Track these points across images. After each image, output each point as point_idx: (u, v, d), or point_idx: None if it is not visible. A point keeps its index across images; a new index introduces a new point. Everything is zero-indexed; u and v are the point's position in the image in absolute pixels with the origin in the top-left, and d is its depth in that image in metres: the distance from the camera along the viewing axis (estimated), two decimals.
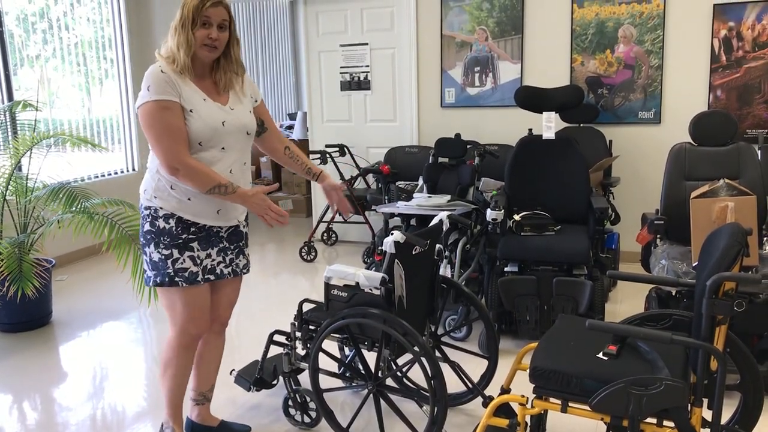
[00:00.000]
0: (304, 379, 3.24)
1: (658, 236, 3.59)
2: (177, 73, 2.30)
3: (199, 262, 2.44)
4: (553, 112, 3.93)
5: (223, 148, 2.38)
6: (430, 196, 4.25)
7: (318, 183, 2.73)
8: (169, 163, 2.26)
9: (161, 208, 2.38)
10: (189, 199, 2.37)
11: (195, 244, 2.43)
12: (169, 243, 2.39)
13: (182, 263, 2.40)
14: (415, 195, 4.36)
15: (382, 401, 2.60)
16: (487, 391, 3.14)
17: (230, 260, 2.56)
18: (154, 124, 2.26)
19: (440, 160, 4.77)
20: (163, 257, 2.39)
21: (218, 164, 2.38)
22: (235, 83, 2.45)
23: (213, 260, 2.49)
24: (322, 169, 2.73)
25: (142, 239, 2.45)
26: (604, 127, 5.25)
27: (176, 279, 2.40)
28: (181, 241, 2.40)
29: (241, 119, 2.43)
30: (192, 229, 2.42)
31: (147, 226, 2.41)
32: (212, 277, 2.50)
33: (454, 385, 3.21)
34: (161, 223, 2.38)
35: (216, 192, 2.30)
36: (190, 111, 2.30)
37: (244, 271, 2.63)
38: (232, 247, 2.56)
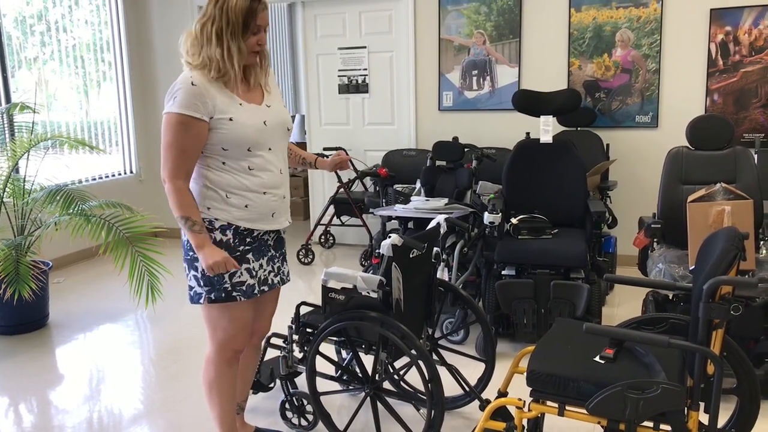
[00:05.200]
0: (301, 382, 3.24)
1: (655, 240, 3.60)
2: (210, 82, 2.21)
3: (254, 273, 2.37)
4: (551, 116, 3.94)
5: (270, 149, 2.33)
6: (427, 199, 4.26)
7: (319, 168, 2.68)
8: (164, 174, 2.21)
9: (217, 219, 2.28)
10: (246, 206, 2.29)
11: (250, 255, 2.35)
12: None
13: (240, 277, 2.32)
14: (412, 198, 4.36)
15: (379, 404, 2.60)
16: (484, 395, 3.14)
17: (278, 268, 2.50)
18: (167, 135, 2.19)
19: (438, 163, 4.77)
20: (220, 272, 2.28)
21: (270, 167, 2.32)
22: (261, 77, 2.37)
23: (265, 270, 2.42)
24: (316, 156, 2.71)
25: (192, 254, 2.31)
26: (602, 130, 5.26)
27: (234, 294, 2.31)
28: (239, 253, 2.32)
29: (280, 115, 2.38)
30: (248, 240, 2.34)
31: None
32: (266, 288, 2.43)
33: (451, 388, 3.20)
34: (218, 235, 2.28)
35: (182, 223, 2.20)
36: (230, 119, 2.22)
37: (288, 278, 2.57)
38: (278, 254, 2.50)
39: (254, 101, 2.32)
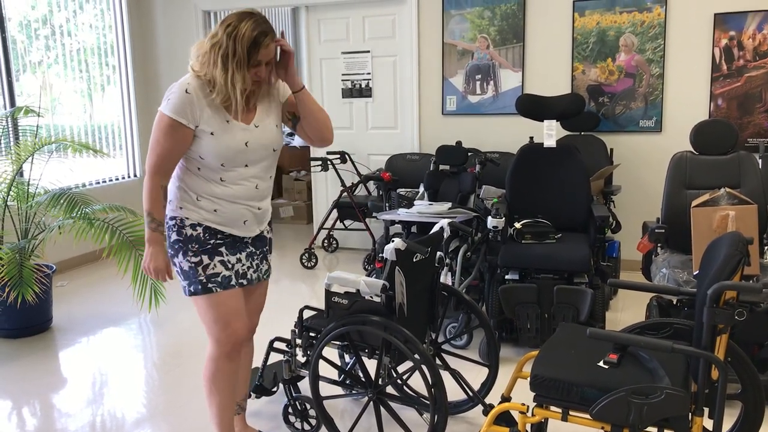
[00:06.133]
0: (304, 386, 3.24)
1: (659, 245, 3.59)
2: (205, 93, 2.26)
3: (230, 266, 2.42)
4: (554, 121, 3.94)
5: (246, 165, 2.36)
6: (431, 204, 4.25)
7: (296, 96, 2.45)
8: (147, 166, 2.30)
9: (188, 218, 2.37)
10: (215, 210, 2.36)
11: (223, 249, 2.41)
12: (198, 249, 2.37)
13: (213, 268, 2.38)
14: (416, 202, 4.36)
15: (382, 409, 2.59)
16: (488, 400, 3.13)
17: (257, 265, 2.54)
18: (156, 132, 2.28)
19: (441, 167, 4.77)
20: (193, 265, 2.37)
21: (243, 182, 2.37)
22: (267, 95, 2.42)
23: (243, 265, 2.47)
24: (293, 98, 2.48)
25: (170, 250, 2.41)
26: (605, 135, 5.26)
27: (209, 285, 2.38)
28: (209, 246, 2.38)
29: (266, 137, 2.39)
30: (219, 236, 2.40)
31: (174, 236, 2.38)
32: (245, 282, 2.48)
33: (454, 393, 3.20)
34: (188, 231, 2.37)
35: (146, 217, 2.32)
36: (211, 134, 2.28)
37: (265, 276, 2.61)
38: (257, 252, 2.54)
39: (244, 120, 2.34)
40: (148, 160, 2.30)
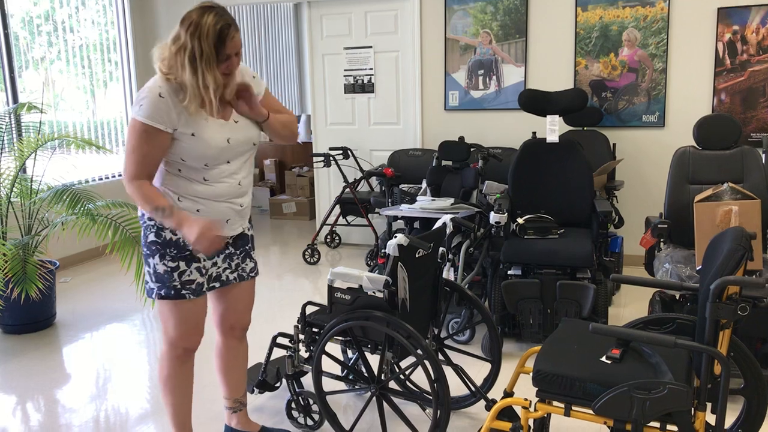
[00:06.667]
0: (307, 381, 3.25)
1: (662, 240, 3.58)
2: (178, 97, 2.19)
3: (205, 272, 2.40)
4: (557, 116, 3.93)
5: (228, 162, 2.33)
6: (433, 199, 4.25)
7: (263, 126, 2.45)
8: (125, 176, 2.22)
9: None
10: (197, 210, 2.32)
11: (202, 254, 2.38)
12: (176, 255, 2.32)
13: (189, 275, 2.35)
14: (418, 198, 4.36)
15: (384, 404, 2.60)
16: (490, 395, 3.13)
17: (236, 265, 2.51)
18: (131, 140, 2.19)
19: (444, 163, 4.77)
20: (169, 269, 2.32)
21: (226, 180, 2.33)
22: (232, 93, 2.33)
23: (219, 267, 2.45)
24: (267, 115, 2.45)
25: (145, 249, 2.35)
26: (608, 130, 5.25)
27: (183, 292, 2.34)
28: (188, 252, 2.34)
29: (246, 131, 2.36)
30: None
31: (152, 237, 2.32)
32: (217, 285, 2.46)
33: (456, 388, 3.20)
34: (168, 234, 2.31)
35: (156, 215, 2.21)
36: (192, 135, 2.22)
37: (252, 274, 2.57)
38: (238, 252, 2.51)
39: (222, 116, 2.30)
40: (126, 170, 2.20)
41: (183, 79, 2.16)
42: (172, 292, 2.33)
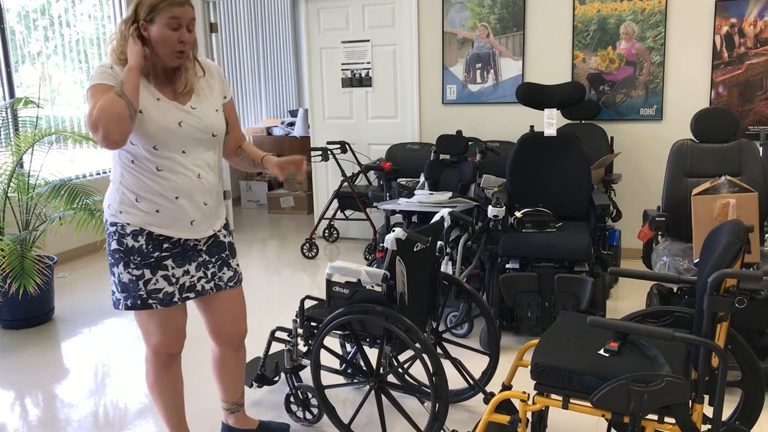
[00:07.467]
0: (306, 375, 3.25)
1: (660, 233, 3.59)
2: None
3: (174, 281, 2.29)
4: (555, 109, 3.93)
5: (183, 152, 2.21)
6: (431, 193, 4.25)
7: (267, 167, 2.47)
8: (89, 124, 2.02)
9: (128, 224, 2.21)
10: (157, 210, 2.21)
11: (169, 262, 2.27)
12: (140, 263, 2.23)
13: (155, 284, 2.25)
14: (416, 192, 4.36)
15: (383, 397, 2.60)
16: (489, 388, 3.14)
17: (212, 274, 2.38)
18: (89, 104, 2.09)
19: (442, 157, 4.76)
20: (134, 278, 2.23)
21: (181, 171, 2.21)
22: (197, 85, 2.27)
23: (192, 276, 2.33)
24: (264, 153, 2.50)
25: (109, 258, 2.27)
26: (606, 123, 5.25)
27: (150, 302, 2.25)
28: (152, 259, 2.24)
29: (203, 119, 2.25)
30: (165, 246, 2.26)
31: (114, 245, 2.23)
32: (192, 295, 2.35)
33: (455, 381, 3.21)
34: (130, 241, 2.22)
35: (122, 97, 2.02)
36: (140, 112, 2.12)
37: (230, 284, 2.44)
38: (213, 260, 2.38)
39: (177, 100, 2.22)
40: (88, 122, 2.03)
41: (128, 50, 2.12)
42: (138, 302, 2.25)
